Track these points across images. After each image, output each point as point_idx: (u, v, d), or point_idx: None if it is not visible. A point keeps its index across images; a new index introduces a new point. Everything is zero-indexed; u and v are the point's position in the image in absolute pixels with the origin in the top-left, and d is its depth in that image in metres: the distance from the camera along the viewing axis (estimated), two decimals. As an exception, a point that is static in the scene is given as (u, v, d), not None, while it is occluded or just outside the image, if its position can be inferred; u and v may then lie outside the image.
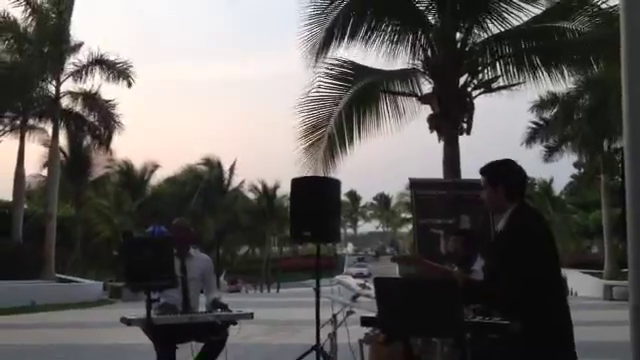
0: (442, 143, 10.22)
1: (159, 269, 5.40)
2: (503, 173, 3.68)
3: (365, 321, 4.36)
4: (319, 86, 11.11)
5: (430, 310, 3.18)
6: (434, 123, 10.32)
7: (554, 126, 31.48)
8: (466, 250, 6.11)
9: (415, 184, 8.88)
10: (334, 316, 7.13)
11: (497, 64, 10.72)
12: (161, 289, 5.68)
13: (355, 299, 6.25)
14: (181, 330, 5.78)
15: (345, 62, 11.23)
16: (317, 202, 6.44)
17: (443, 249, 7.76)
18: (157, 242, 5.76)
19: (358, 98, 11.11)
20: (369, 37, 10.66)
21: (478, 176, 3.77)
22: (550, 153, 33.58)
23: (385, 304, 3.36)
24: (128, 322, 5.69)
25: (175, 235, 6.17)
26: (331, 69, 11.16)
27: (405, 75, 10.99)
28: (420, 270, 4.17)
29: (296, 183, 6.72)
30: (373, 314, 4.10)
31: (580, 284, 28.31)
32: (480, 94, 10.59)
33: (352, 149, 11.32)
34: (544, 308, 3.35)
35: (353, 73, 11.22)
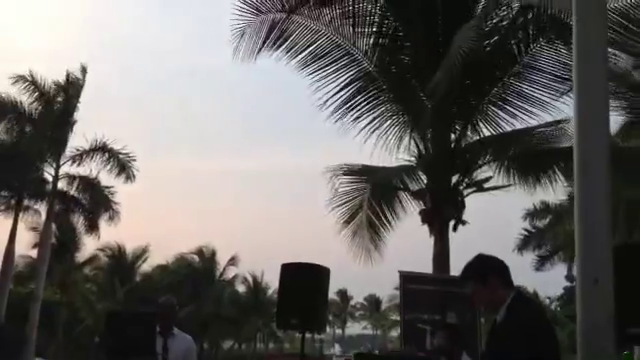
0: (432, 239, 10.35)
1: (140, 346, 5.36)
2: (486, 265, 3.60)
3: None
4: (341, 183, 11.71)
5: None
6: (425, 218, 10.48)
7: (546, 236, 31.66)
8: (452, 344, 6.13)
9: (405, 277, 8.92)
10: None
11: (489, 166, 11.02)
12: (141, 367, 5.60)
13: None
14: (158, 412, 5.66)
15: (354, 165, 11.83)
16: (306, 289, 6.42)
17: (429, 345, 7.70)
18: (141, 318, 5.72)
19: (376, 194, 11.69)
20: (371, 128, 11.11)
21: None
22: (542, 262, 33.58)
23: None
24: (105, 400, 5.59)
25: (160, 313, 6.13)
26: (346, 171, 11.67)
27: (407, 171, 11.35)
28: None
29: (286, 269, 6.71)
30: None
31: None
32: (471, 193, 10.80)
33: (392, 228, 11.91)
34: None
35: (365, 171, 11.73)
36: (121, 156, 29.12)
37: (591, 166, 3.92)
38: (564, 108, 10.55)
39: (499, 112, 10.86)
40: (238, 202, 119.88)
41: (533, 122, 10.86)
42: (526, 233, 32.39)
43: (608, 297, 3.65)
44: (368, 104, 11.05)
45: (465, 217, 10.59)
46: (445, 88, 9.18)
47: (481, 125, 10.93)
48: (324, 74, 10.79)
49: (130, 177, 29.30)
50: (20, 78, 27.86)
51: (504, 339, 3.36)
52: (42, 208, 30.62)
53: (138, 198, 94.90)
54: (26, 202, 30.73)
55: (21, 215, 30.61)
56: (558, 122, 10.76)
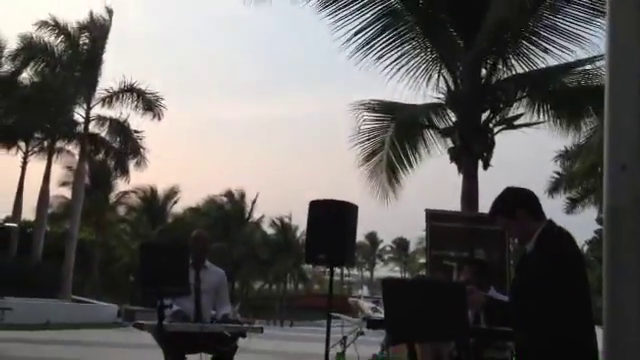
0: (461, 177, 10.27)
1: (174, 276, 5.49)
2: (513, 199, 3.55)
3: (371, 324, 4.35)
4: (365, 120, 11.58)
5: (435, 313, 3.15)
6: (454, 155, 10.40)
7: (578, 178, 31.21)
8: (479, 279, 6.10)
9: (431, 215, 8.91)
10: (344, 338, 7.18)
11: (520, 102, 10.82)
12: (174, 296, 5.76)
13: (365, 320, 6.28)
14: (191, 339, 5.83)
15: (380, 101, 11.64)
16: (334, 225, 6.49)
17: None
18: (174, 249, 5.86)
19: (400, 132, 11.56)
20: (398, 65, 10.93)
21: None
22: (573, 205, 33.27)
23: (391, 306, 3.35)
24: (140, 326, 5.78)
25: (193, 245, 6.27)
26: (371, 107, 11.52)
27: (434, 109, 11.18)
28: None
29: (314, 206, 6.77)
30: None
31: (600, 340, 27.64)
32: (501, 130, 10.64)
33: (412, 169, 11.87)
34: (558, 325, 3.21)
35: (390, 108, 11.57)
36: (148, 95, 29.36)
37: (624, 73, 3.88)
38: (602, 45, 10.23)
39: (531, 47, 10.55)
40: (268, 147, 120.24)
41: (568, 59, 10.56)
42: (557, 176, 32.01)
43: (636, 183, 3.64)
44: (395, 41, 10.79)
45: (496, 158, 10.46)
46: (508, 20, 9.00)
47: (513, 61, 10.66)
48: (349, 11, 10.50)
49: (157, 115, 29.56)
50: (43, 24, 27.99)
51: (533, 269, 3.33)
52: (74, 150, 31.16)
53: (166, 143, 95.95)
54: (59, 144, 31.24)
55: (55, 157, 31.19)
56: (594, 58, 10.44)
